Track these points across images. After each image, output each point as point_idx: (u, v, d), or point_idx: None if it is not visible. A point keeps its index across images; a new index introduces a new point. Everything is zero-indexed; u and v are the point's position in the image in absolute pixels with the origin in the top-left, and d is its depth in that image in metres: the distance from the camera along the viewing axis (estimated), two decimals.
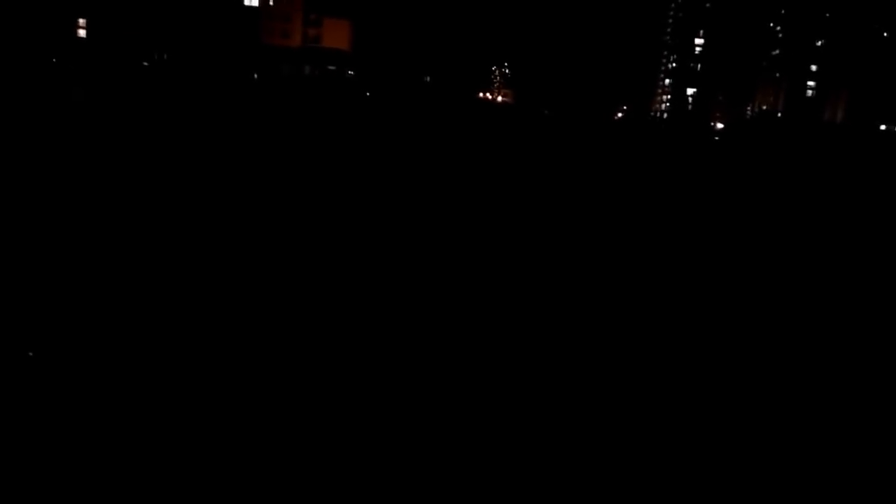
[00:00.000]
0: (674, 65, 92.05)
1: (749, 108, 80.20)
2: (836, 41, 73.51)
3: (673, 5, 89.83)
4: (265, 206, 7.51)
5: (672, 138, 36.43)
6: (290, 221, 6.85)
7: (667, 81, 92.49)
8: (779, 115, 67.35)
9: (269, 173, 10.34)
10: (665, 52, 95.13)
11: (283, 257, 5.49)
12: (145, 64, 39.97)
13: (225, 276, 4.74)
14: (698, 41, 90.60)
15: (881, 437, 3.25)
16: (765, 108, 77.30)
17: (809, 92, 77.53)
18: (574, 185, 12.94)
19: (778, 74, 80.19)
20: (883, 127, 61.83)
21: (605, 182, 14.19)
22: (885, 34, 70.51)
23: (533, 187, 11.94)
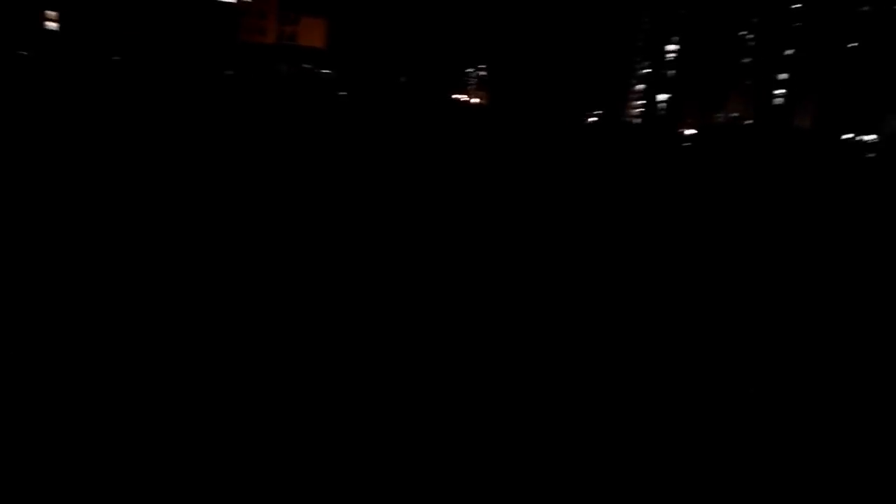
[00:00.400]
0: (646, 70, 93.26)
1: (720, 115, 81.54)
2: (806, 51, 75.17)
3: (647, 12, 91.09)
4: (234, 206, 7.57)
5: (643, 144, 37.01)
6: (257, 222, 6.93)
7: (639, 87, 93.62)
8: (748, 122, 68.62)
9: (240, 173, 10.37)
10: (638, 58, 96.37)
11: (246, 258, 5.56)
12: (116, 58, 39.44)
13: (186, 276, 4.81)
14: (670, 47, 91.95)
15: (879, 438, 3.37)
16: (735, 115, 78.65)
17: (778, 100, 79.10)
18: (546, 189, 13.17)
19: (748, 82, 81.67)
20: (846, 136, 63.34)
21: (576, 186, 14.46)
22: (852, 44, 72.27)
23: (505, 191, 12.13)
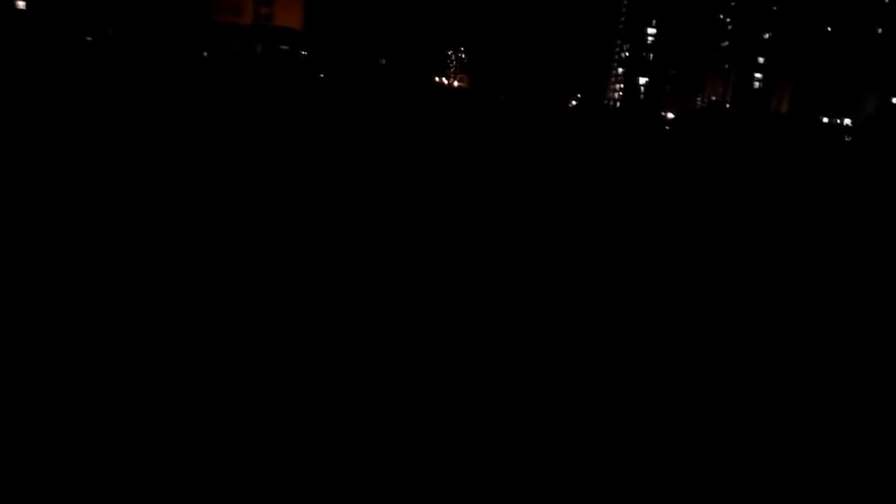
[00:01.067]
0: (626, 54, 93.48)
1: (699, 98, 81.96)
2: (783, 34, 75.67)
3: None
4: (215, 190, 7.33)
5: (624, 126, 37.08)
6: (237, 207, 6.71)
7: (620, 70, 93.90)
8: (727, 105, 69.04)
9: (218, 158, 10.09)
10: (618, 41, 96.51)
11: (229, 245, 5.36)
12: (88, 39, 38.37)
13: (172, 269, 4.61)
14: (650, 31, 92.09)
15: (877, 438, 3.34)
16: (714, 98, 79.13)
17: (756, 84, 79.70)
18: (529, 173, 13.05)
19: (727, 66, 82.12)
20: (825, 119, 64.04)
21: (559, 169, 14.37)
22: (829, 28, 72.89)
23: (488, 175, 11.98)
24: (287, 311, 4.17)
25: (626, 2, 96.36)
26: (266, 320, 3.99)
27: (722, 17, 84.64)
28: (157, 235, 5.37)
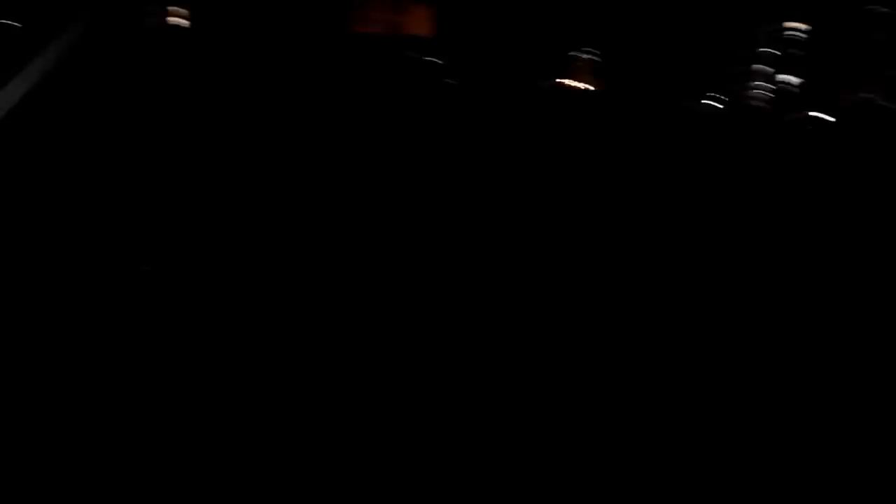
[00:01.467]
0: (768, 50, 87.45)
1: (853, 96, 75.20)
2: None
3: None
4: (353, 193, 7.65)
5: (764, 130, 34.78)
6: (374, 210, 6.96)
7: (761, 68, 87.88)
8: (886, 105, 62.61)
9: (358, 160, 10.53)
10: (759, 38, 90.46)
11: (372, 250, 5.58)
12: (241, 54, 41.11)
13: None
14: (795, 25, 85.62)
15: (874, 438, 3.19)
16: (870, 97, 72.26)
17: None
18: (656, 183, 12.54)
19: (885, 60, 74.63)
20: None
21: (690, 180, 13.66)
22: None
23: (612, 184, 11.66)
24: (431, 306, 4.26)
25: None
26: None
27: (875, 6, 76.59)
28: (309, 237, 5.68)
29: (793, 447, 2.69)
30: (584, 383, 3.18)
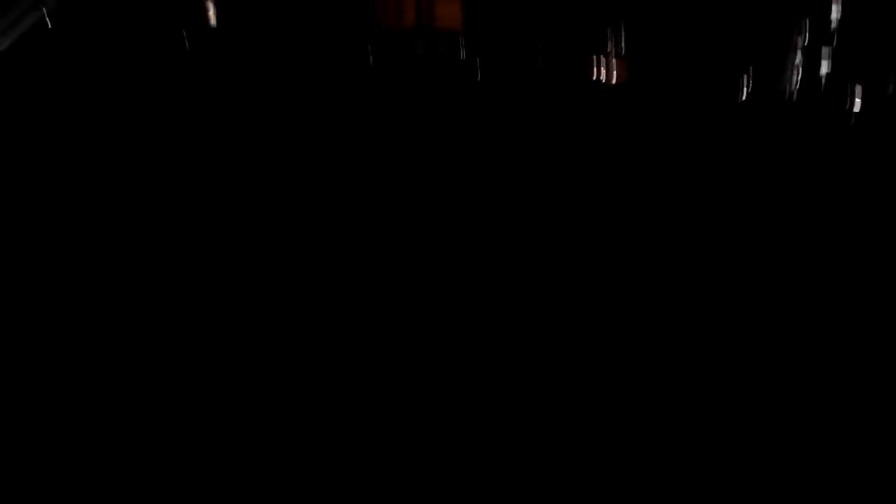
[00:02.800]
0: (808, 41, 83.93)
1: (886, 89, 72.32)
2: None
3: None
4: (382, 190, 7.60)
5: (803, 121, 33.78)
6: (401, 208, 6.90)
7: (800, 59, 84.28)
8: None
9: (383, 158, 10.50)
10: (798, 28, 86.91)
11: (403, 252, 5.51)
12: (270, 51, 41.09)
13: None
14: (835, 15, 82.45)
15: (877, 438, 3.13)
16: None
17: None
18: (691, 177, 12.30)
19: None
20: None
21: (725, 175, 13.35)
22: None
23: (642, 180, 11.45)
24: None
25: None
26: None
27: None
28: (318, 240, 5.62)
29: (793, 447, 2.72)
30: (592, 384, 3.18)
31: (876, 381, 3.50)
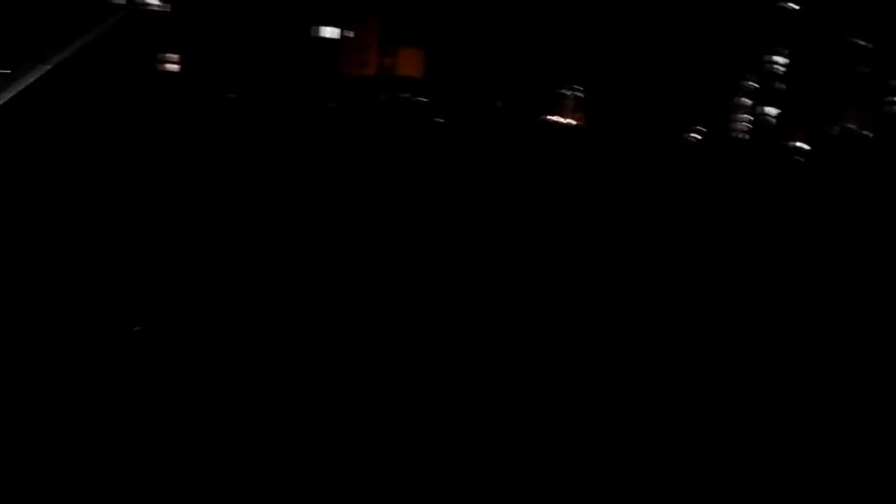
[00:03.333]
0: (752, 84, 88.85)
1: (835, 127, 76.18)
2: None
3: (751, 22, 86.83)
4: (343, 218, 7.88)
5: (750, 160, 35.34)
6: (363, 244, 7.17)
7: (745, 101, 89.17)
8: (866, 134, 63.55)
9: (347, 192, 10.79)
10: (743, 71, 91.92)
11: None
12: (231, 96, 41.78)
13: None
14: (778, 59, 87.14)
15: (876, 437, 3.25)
16: (852, 127, 73.26)
17: None
18: (645, 211, 12.82)
19: (865, 92, 75.90)
20: None
21: (680, 209, 14.02)
22: None
23: (602, 214, 11.94)
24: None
25: (750, 29, 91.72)
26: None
27: (857, 40, 78.18)
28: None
29: (793, 447, 2.72)
30: (591, 385, 3.24)
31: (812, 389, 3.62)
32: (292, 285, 5.25)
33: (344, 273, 5.59)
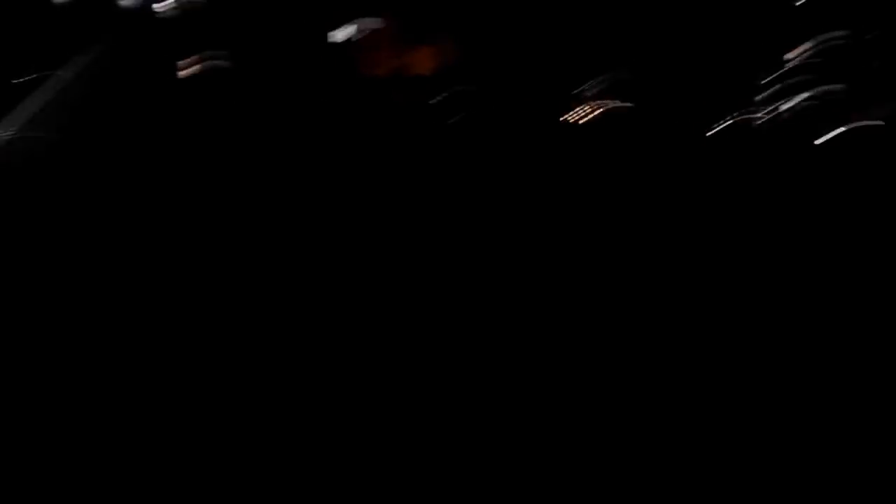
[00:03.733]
0: (779, 73, 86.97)
1: (862, 116, 74.43)
2: None
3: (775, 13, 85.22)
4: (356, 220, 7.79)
5: (773, 149, 34.69)
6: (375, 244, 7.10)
7: (772, 90, 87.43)
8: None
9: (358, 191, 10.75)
10: (771, 62, 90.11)
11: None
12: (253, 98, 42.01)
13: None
14: (805, 48, 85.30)
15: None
16: (880, 117, 71.28)
17: None
18: (667, 205, 12.60)
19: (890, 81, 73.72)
20: None
21: (701, 200, 13.73)
22: None
23: (622, 209, 11.75)
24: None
25: (774, 19, 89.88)
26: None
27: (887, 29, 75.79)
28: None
29: (794, 447, 2.70)
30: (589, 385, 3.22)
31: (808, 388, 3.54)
32: (311, 283, 5.26)
33: (364, 273, 5.57)
